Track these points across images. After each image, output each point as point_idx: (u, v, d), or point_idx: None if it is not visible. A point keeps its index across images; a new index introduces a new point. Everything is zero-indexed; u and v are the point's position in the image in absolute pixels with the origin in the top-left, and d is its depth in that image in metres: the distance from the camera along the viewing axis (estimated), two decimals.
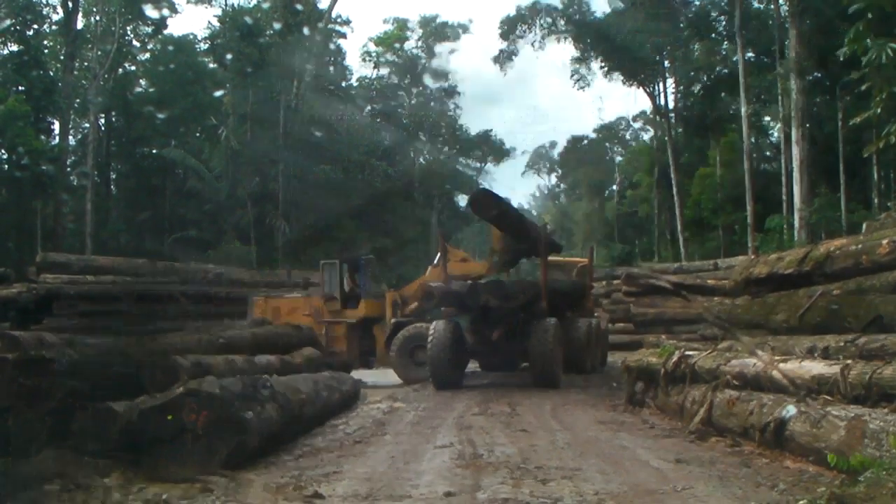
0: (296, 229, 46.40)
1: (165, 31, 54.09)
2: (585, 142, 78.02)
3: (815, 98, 32.52)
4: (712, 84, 47.08)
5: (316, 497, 7.51)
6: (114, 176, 55.31)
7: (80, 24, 47.81)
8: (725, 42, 46.01)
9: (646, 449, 9.84)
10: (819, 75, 33.48)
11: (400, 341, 21.00)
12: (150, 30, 53.01)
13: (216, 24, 51.36)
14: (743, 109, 35.82)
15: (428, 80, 71.32)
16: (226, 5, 51.92)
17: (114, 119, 53.61)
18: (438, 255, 23.44)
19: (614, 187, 68.76)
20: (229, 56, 48.47)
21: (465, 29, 71.85)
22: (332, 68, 58.00)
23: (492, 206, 18.44)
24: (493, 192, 19.64)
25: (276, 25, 48.12)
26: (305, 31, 49.12)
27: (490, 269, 22.15)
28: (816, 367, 8.64)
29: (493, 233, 21.53)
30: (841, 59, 18.74)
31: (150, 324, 25.58)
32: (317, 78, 53.22)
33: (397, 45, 66.54)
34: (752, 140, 37.66)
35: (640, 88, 50.49)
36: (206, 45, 53.78)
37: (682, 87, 50.31)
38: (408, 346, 20.92)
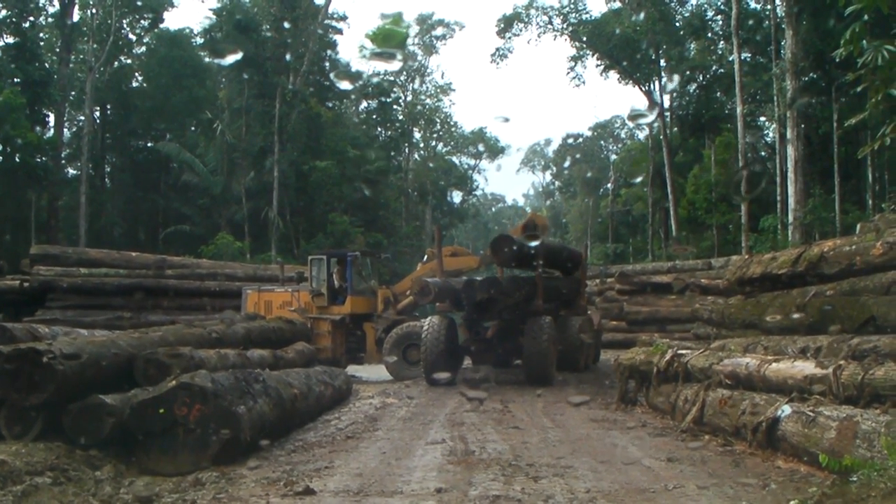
0: (290, 224, 46.38)
1: (161, 25, 54.00)
2: (580, 139, 78.18)
3: (810, 99, 32.51)
4: (708, 83, 47.13)
5: (307, 492, 7.51)
6: (108, 169, 55.19)
7: (76, 17, 47.81)
8: (721, 42, 46.08)
9: (637, 447, 9.85)
10: (815, 76, 33.47)
11: (393, 339, 20.91)
12: (146, 23, 52.87)
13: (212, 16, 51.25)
14: (738, 109, 35.86)
15: (423, 75, 71.53)
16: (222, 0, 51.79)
17: (109, 112, 53.52)
18: (426, 255, 23.43)
19: (609, 185, 68.70)
20: (225, 50, 48.37)
21: (462, 26, 71.91)
22: (327, 63, 57.90)
23: (510, 252, 18.39)
24: (512, 237, 19.41)
25: (272, 20, 48.06)
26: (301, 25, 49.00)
27: (481, 262, 22.20)
28: (809, 368, 8.65)
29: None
30: (837, 60, 18.74)
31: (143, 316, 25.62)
32: (312, 73, 53.15)
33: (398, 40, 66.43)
34: (747, 140, 37.67)
35: (636, 87, 50.44)
36: (202, 40, 53.67)
37: (676, 86, 50.28)
38: (401, 344, 20.84)
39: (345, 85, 58.72)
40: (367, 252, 25.95)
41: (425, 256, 23.64)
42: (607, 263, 43.66)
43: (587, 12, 49.48)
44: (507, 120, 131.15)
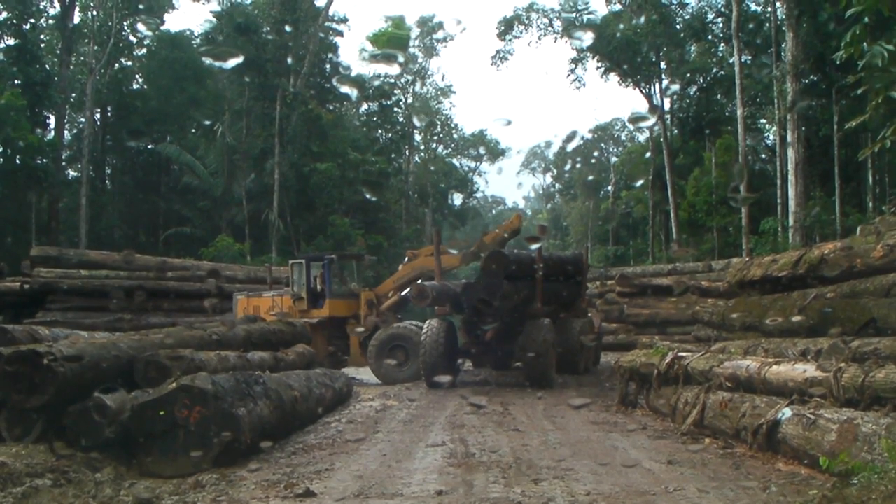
0: (291, 226, 46.37)
1: (162, 27, 54.03)
2: (581, 142, 78.15)
3: (811, 101, 32.49)
4: (708, 86, 47.14)
5: (307, 494, 7.51)
6: (109, 171, 55.16)
7: (76, 19, 47.82)
8: (722, 44, 46.09)
9: (638, 450, 9.84)
10: (815, 78, 33.49)
11: (378, 341, 20.92)
12: (146, 28, 52.82)
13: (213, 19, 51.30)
14: (739, 112, 35.88)
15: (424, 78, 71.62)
16: (223, 2, 51.80)
17: (109, 114, 53.49)
18: (407, 256, 23.45)
19: (609, 188, 68.66)
20: (225, 53, 48.33)
21: (463, 28, 71.89)
22: (328, 66, 57.91)
23: (502, 268, 18.37)
24: (505, 254, 19.27)
25: (273, 22, 48.09)
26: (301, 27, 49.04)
27: (463, 261, 22.20)
28: (809, 370, 8.64)
29: (485, 237, 21.67)
30: (837, 62, 18.75)
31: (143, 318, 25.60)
32: (313, 75, 53.18)
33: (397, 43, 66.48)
34: (748, 142, 37.69)
35: (637, 89, 50.42)
36: (203, 42, 53.64)
37: (677, 89, 50.25)
38: (385, 346, 20.83)
39: (346, 88, 58.78)
40: (350, 255, 26.08)
41: (406, 257, 23.67)
42: (608, 266, 43.63)
43: (587, 14, 49.59)
44: (509, 122, 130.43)
